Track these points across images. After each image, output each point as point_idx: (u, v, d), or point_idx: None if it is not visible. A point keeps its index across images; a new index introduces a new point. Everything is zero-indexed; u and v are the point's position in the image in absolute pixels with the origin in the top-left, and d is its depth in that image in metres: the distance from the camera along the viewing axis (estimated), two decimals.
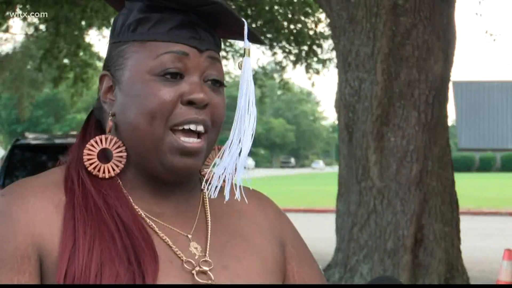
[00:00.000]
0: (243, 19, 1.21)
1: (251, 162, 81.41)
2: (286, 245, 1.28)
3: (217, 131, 1.21)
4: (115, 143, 1.20)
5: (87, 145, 1.20)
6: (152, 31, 1.18)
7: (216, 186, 1.20)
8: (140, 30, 1.19)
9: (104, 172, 1.19)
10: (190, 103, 1.16)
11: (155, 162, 1.17)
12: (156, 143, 1.16)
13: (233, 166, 1.18)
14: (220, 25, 1.23)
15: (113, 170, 1.20)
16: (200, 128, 1.17)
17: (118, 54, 1.21)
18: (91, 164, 1.19)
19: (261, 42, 1.28)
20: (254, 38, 1.24)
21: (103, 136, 1.20)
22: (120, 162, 1.20)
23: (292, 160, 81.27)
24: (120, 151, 1.20)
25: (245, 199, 1.25)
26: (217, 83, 1.20)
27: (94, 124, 1.26)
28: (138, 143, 1.18)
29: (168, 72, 1.17)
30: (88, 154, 1.20)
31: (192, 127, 1.16)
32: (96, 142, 1.20)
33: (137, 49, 1.19)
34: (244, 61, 1.20)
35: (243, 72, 1.20)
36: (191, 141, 1.17)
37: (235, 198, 1.22)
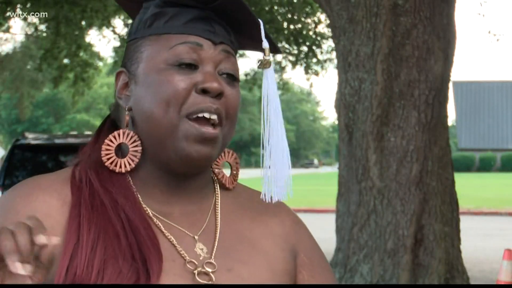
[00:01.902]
0: (259, 19, 1.21)
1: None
2: (299, 254, 1.27)
3: (231, 124, 1.20)
4: (131, 137, 1.20)
5: (106, 140, 1.20)
6: (167, 25, 1.19)
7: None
8: (156, 24, 1.20)
9: (121, 166, 1.20)
10: (204, 91, 1.16)
11: (169, 150, 1.17)
12: (171, 130, 1.16)
13: (284, 170, 1.20)
14: (238, 26, 1.23)
15: (129, 164, 1.20)
16: (214, 117, 1.16)
17: (134, 49, 1.22)
18: (108, 159, 1.20)
19: (277, 49, 1.27)
20: (270, 41, 1.23)
21: (120, 131, 1.21)
22: (136, 156, 1.20)
23: (315, 161, 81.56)
24: (136, 145, 1.20)
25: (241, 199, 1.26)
26: (232, 77, 1.20)
27: (108, 126, 1.27)
28: (153, 132, 1.17)
29: (183, 63, 1.17)
30: (106, 149, 1.20)
31: (206, 115, 1.16)
32: (114, 137, 1.20)
33: (152, 43, 1.20)
34: (268, 70, 1.20)
35: (266, 76, 1.20)
36: (206, 128, 1.16)
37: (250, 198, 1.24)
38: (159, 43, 1.19)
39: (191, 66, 1.17)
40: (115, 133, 1.20)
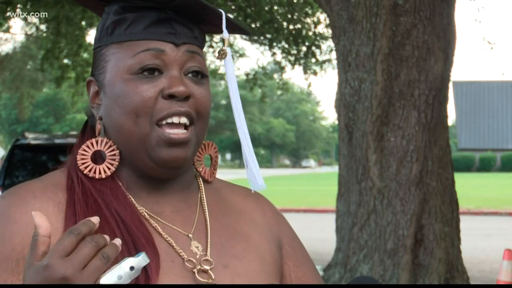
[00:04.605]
0: (221, 10, 1.21)
1: (313, 162, 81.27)
2: (283, 245, 1.29)
3: (204, 122, 1.21)
4: (106, 143, 1.21)
5: (79, 150, 1.21)
6: (128, 31, 1.20)
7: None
8: (117, 31, 1.20)
9: (100, 173, 1.20)
10: (171, 96, 1.17)
11: (145, 158, 1.18)
12: (143, 140, 1.17)
13: (251, 162, 1.21)
14: (201, 20, 1.24)
15: (108, 169, 1.21)
16: (184, 120, 1.17)
17: (99, 58, 1.23)
18: (86, 167, 1.21)
19: (244, 31, 1.28)
20: (237, 28, 1.25)
21: (93, 140, 1.21)
22: (114, 160, 1.21)
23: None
24: (112, 150, 1.21)
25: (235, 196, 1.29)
26: (199, 75, 1.21)
27: (90, 129, 1.28)
28: (125, 142, 1.19)
29: (145, 69, 1.17)
30: (82, 159, 1.21)
31: (175, 119, 1.17)
32: (87, 146, 1.21)
33: (115, 51, 1.20)
34: (228, 53, 1.21)
35: (225, 66, 1.22)
36: (176, 132, 1.17)
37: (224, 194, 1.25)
38: (122, 51, 1.19)
39: (155, 72, 1.18)
40: (88, 142, 1.21)
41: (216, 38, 13.66)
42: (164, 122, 1.17)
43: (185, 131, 1.18)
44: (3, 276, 1.10)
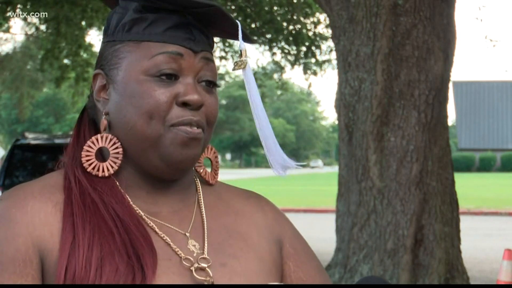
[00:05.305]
0: (237, 21, 1.22)
1: (320, 163, 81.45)
2: (284, 245, 1.29)
3: (211, 129, 1.22)
4: (111, 140, 1.20)
5: (85, 147, 1.20)
6: (147, 32, 1.19)
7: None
8: (135, 30, 1.20)
9: (103, 171, 1.20)
10: (185, 104, 1.17)
11: (154, 158, 1.18)
12: (155, 140, 1.17)
13: (280, 159, 1.23)
14: (214, 25, 1.24)
15: (112, 167, 1.20)
16: (195, 129, 1.18)
17: (112, 53, 1.21)
18: (90, 165, 1.20)
19: (252, 41, 1.29)
20: (245, 37, 1.25)
21: (99, 136, 1.20)
22: (117, 158, 1.20)
23: None
24: (116, 148, 1.20)
25: (230, 196, 1.29)
26: (211, 84, 1.21)
27: (88, 122, 1.27)
28: (136, 141, 1.18)
29: (163, 73, 1.17)
30: (87, 156, 1.20)
31: (188, 128, 1.17)
32: (93, 142, 1.20)
33: (131, 49, 1.19)
34: (246, 70, 1.22)
35: (246, 77, 1.22)
36: (192, 128, 1.18)
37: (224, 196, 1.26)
38: (139, 51, 1.18)
39: (171, 77, 1.18)
40: (93, 138, 1.20)
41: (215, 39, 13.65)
42: (176, 127, 1.17)
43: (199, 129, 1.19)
44: (12, 278, 1.10)
